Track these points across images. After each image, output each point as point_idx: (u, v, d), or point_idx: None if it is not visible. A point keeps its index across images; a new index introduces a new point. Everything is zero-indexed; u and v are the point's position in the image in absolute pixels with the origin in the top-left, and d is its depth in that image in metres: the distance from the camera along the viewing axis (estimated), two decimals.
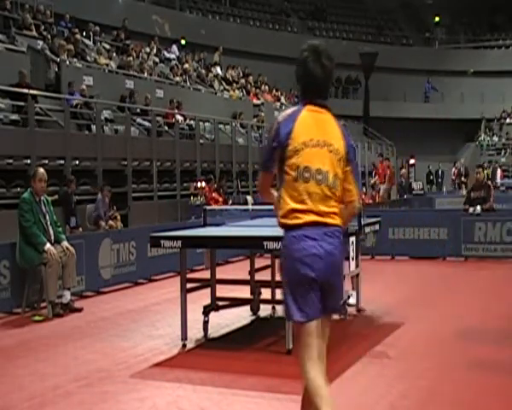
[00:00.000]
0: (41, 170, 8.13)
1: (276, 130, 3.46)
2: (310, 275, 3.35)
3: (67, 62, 16.25)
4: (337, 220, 3.45)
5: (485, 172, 16.82)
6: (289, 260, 3.40)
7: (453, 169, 29.52)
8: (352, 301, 7.76)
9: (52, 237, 7.94)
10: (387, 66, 37.08)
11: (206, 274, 7.01)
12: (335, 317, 7.28)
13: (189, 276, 7.00)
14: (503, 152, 36.52)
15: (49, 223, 7.97)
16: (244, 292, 7.49)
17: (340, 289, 3.57)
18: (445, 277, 10.61)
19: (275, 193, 3.57)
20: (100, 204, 12.46)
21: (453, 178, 30.04)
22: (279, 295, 6.77)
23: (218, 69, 24.66)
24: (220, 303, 7.06)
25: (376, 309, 7.86)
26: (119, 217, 13.00)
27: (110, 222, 12.53)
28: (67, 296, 7.99)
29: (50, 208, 8.14)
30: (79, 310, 8.06)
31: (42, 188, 8.01)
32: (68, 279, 7.97)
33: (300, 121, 3.43)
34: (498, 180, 29.37)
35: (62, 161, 13.18)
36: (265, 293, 7.47)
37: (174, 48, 24.49)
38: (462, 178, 27.59)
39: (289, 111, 3.52)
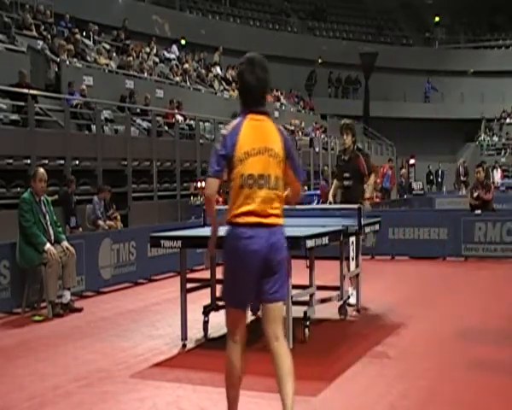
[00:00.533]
0: (41, 170, 8.12)
1: (222, 141, 3.92)
2: (250, 269, 3.87)
3: (67, 62, 16.26)
4: (279, 221, 4.01)
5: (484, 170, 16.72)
6: (233, 254, 3.92)
7: (460, 168, 28.70)
8: (352, 300, 7.76)
9: (52, 237, 7.93)
10: (387, 66, 37.08)
11: (206, 274, 7.01)
12: (335, 317, 7.33)
13: (189, 276, 7.00)
14: (503, 152, 36.52)
15: (48, 223, 7.96)
16: None
17: (282, 281, 4.05)
18: (445, 277, 10.61)
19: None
20: (97, 206, 12.45)
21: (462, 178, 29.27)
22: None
23: (218, 69, 24.64)
24: (220, 303, 7.05)
25: (376, 309, 7.86)
26: (119, 217, 13.00)
27: (110, 222, 12.54)
28: (67, 296, 7.98)
29: (50, 208, 8.14)
30: (79, 310, 8.06)
31: (42, 188, 8.00)
32: (68, 279, 7.97)
33: (243, 133, 3.89)
34: (498, 180, 29.34)
35: (62, 161, 13.19)
36: None
37: (174, 48, 24.49)
38: (462, 178, 27.21)
39: (234, 123, 3.97)
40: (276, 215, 3.98)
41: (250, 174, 3.89)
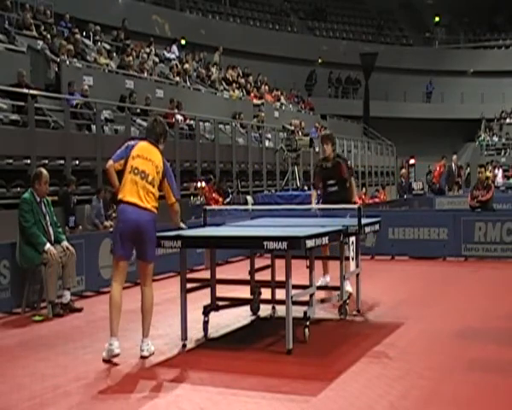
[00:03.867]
0: (45, 172, 8.10)
1: (126, 145, 6.10)
2: (126, 232, 5.80)
3: (67, 62, 16.25)
4: (149, 204, 5.86)
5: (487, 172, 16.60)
6: (119, 221, 5.96)
7: (453, 166, 25.42)
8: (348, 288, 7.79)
9: (52, 238, 7.93)
10: (387, 66, 37.07)
11: (206, 274, 7.01)
12: (335, 317, 7.33)
13: (189, 276, 7.00)
14: (503, 152, 36.51)
15: (48, 223, 7.96)
16: (244, 292, 7.49)
17: (147, 247, 5.90)
18: (445, 277, 10.61)
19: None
20: (95, 207, 12.44)
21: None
22: (279, 295, 6.79)
23: (214, 70, 24.61)
24: (220, 303, 7.06)
25: (376, 309, 7.86)
26: None
27: (110, 222, 12.53)
28: (67, 296, 7.99)
29: (51, 209, 8.14)
30: (79, 310, 8.06)
31: (46, 190, 8.06)
32: (68, 279, 7.97)
33: (137, 146, 6.04)
34: (499, 180, 29.28)
35: (62, 161, 13.18)
36: (265, 293, 7.47)
37: (174, 48, 24.48)
38: (456, 178, 24.69)
39: (133, 141, 6.18)
40: (147, 201, 5.86)
41: (136, 167, 5.90)
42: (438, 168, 23.47)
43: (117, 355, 5.81)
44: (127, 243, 5.84)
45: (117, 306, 5.89)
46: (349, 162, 9.93)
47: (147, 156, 5.94)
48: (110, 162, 6.07)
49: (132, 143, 6.11)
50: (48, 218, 7.98)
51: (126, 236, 5.81)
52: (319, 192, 9.00)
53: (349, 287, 7.93)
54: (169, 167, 6.10)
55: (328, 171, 8.83)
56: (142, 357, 5.90)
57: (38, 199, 7.92)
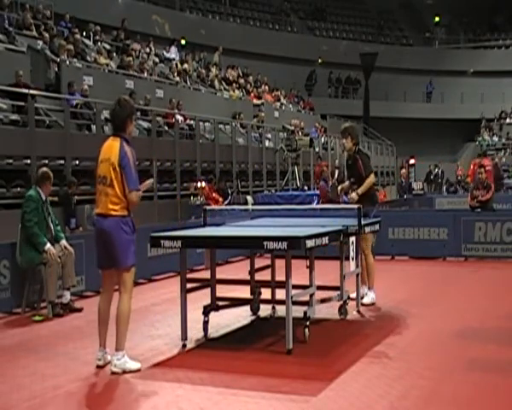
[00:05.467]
0: (50, 172, 8.21)
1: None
2: (97, 242, 5.69)
3: (67, 62, 16.24)
4: (111, 210, 5.53)
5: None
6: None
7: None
8: (366, 300, 7.84)
9: (53, 236, 7.95)
10: (387, 66, 37.07)
11: (206, 274, 7.01)
12: (335, 317, 7.33)
13: (189, 276, 7.00)
14: (503, 152, 36.51)
15: (51, 222, 7.99)
16: (244, 292, 7.49)
17: (115, 253, 5.59)
18: (445, 277, 10.61)
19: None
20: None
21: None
22: (279, 295, 6.79)
23: (214, 70, 24.60)
24: (220, 303, 7.06)
25: (376, 309, 7.87)
26: None
27: None
28: (67, 296, 7.99)
29: (50, 207, 8.19)
30: (79, 310, 8.06)
31: (50, 190, 8.22)
32: (68, 279, 7.97)
33: (101, 151, 5.73)
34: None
35: (62, 161, 13.16)
36: (265, 293, 7.47)
37: (173, 49, 24.45)
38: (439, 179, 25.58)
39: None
40: (111, 204, 5.55)
41: (99, 174, 5.65)
42: (472, 167, 23.17)
43: (99, 367, 5.63)
44: (101, 253, 5.68)
45: (101, 317, 5.73)
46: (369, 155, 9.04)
47: (105, 157, 5.63)
48: None
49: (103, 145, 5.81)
50: (51, 216, 8.04)
51: (98, 246, 5.70)
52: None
53: (365, 292, 7.98)
54: (127, 157, 5.53)
55: (349, 167, 8.42)
56: (113, 373, 5.45)
57: (44, 198, 7.95)
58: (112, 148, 5.62)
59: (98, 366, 5.65)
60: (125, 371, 5.45)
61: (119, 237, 5.56)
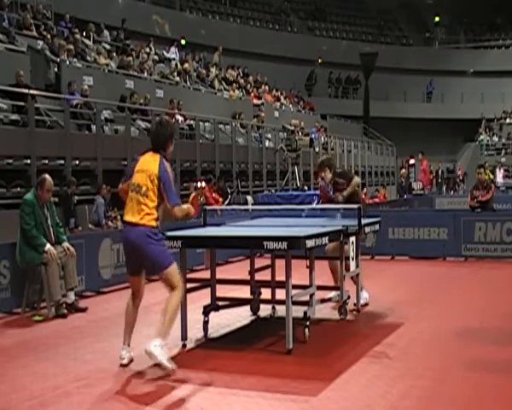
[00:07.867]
0: (49, 179, 8.01)
1: (133, 164, 5.93)
2: (127, 250, 5.81)
3: (67, 62, 16.24)
4: (142, 219, 5.60)
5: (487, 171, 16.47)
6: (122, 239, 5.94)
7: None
8: (362, 301, 7.80)
9: (53, 239, 7.92)
10: (387, 66, 37.08)
11: (206, 274, 7.01)
12: (335, 317, 7.33)
13: (189, 276, 7.00)
14: (503, 152, 36.50)
15: (49, 225, 7.94)
16: (244, 292, 7.49)
17: (150, 261, 5.62)
18: (445, 277, 10.60)
19: None
20: (100, 207, 12.44)
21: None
22: (279, 295, 6.79)
23: (214, 70, 24.60)
24: (220, 303, 7.06)
25: (376, 309, 7.86)
26: (119, 217, 12.98)
27: (110, 224, 12.53)
28: (72, 296, 7.99)
29: (53, 208, 8.13)
30: (84, 310, 8.06)
31: (48, 198, 8.01)
32: (70, 280, 7.96)
33: (139, 161, 5.82)
34: (500, 180, 29.26)
35: (62, 161, 13.16)
36: (265, 293, 7.47)
37: (172, 49, 24.45)
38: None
39: (141, 156, 5.89)
40: (144, 215, 5.63)
41: (133, 183, 5.73)
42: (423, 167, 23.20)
43: (123, 365, 5.66)
44: (131, 261, 5.76)
45: (128, 320, 5.85)
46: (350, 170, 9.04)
47: (143, 168, 5.72)
48: (120, 185, 5.97)
49: (138, 158, 5.91)
50: (49, 219, 7.96)
51: (128, 254, 5.79)
52: None
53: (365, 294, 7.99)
54: (167, 172, 5.67)
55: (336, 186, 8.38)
56: (146, 352, 5.33)
57: (42, 202, 7.89)
58: (151, 161, 5.74)
59: (122, 365, 5.65)
60: (155, 361, 5.30)
61: (148, 247, 5.59)
